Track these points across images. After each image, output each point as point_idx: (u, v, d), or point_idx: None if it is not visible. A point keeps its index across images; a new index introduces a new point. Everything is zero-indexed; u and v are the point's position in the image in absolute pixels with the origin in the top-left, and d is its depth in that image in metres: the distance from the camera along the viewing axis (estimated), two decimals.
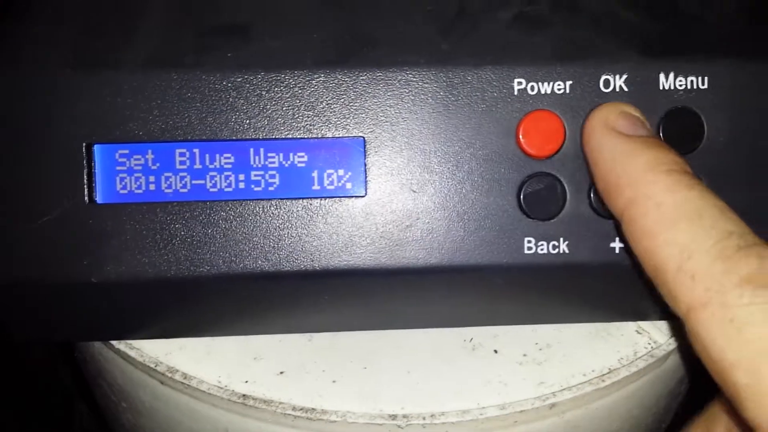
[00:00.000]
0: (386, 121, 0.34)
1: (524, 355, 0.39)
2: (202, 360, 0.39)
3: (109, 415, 0.50)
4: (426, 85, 0.33)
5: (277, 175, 0.34)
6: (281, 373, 0.38)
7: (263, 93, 0.33)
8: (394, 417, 0.37)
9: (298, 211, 0.34)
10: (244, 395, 0.37)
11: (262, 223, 0.34)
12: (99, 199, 0.33)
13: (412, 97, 0.33)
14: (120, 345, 0.39)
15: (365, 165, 0.34)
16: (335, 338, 0.40)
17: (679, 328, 0.38)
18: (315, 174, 0.34)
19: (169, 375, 0.38)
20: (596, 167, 0.31)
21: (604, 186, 0.30)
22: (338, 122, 0.34)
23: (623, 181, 0.29)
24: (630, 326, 0.40)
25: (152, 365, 0.38)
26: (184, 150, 0.33)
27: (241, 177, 0.34)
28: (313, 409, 0.37)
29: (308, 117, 0.33)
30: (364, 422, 0.36)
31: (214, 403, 0.38)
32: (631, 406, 0.40)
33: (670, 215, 0.27)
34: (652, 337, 0.40)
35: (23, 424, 0.78)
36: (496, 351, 0.39)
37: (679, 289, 0.27)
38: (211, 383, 0.38)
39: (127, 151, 0.33)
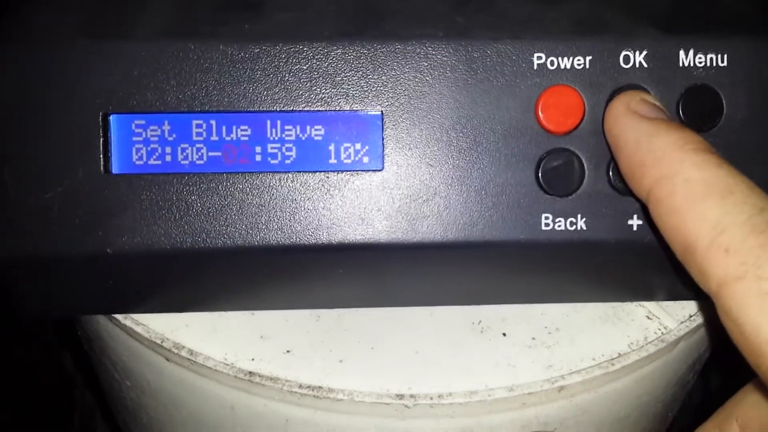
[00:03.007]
0: (404, 95, 0.33)
1: (533, 338, 0.39)
2: (209, 337, 0.39)
3: (113, 396, 0.49)
4: (445, 59, 0.33)
5: (294, 148, 0.33)
6: (288, 351, 0.38)
7: (281, 65, 0.33)
8: (401, 397, 0.36)
9: (314, 184, 0.34)
10: (250, 372, 0.37)
11: (278, 195, 0.33)
12: (114, 169, 0.33)
13: (431, 71, 0.33)
14: (126, 321, 0.39)
15: (383, 139, 0.33)
16: (342, 318, 0.40)
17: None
18: (332, 147, 0.34)
19: (175, 351, 0.38)
20: (620, 150, 0.31)
21: (629, 167, 0.30)
22: (356, 95, 0.33)
23: (649, 161, 0.29)
24: (640, 311, 0.40)
25: (158, 341, 0.38)
26: (200, 121, 0.33)
27: (258, 149, 0.33)
28: (319, 387, 0.37)
29: (326, 90, 0.33)
30: (371, 401, 0.36)
31: (220, 380, 0.38)
32: (640, 391, 0.40)
33: (699, 191, 0.27)
34: (662, 322, 0.40)
35: (23, 412, 0.77)
36: (504, 334, 0.39)
37: (711, 264, 0.26)
38: (217, 360, 0.37)
39: (143, 122, 0.33)
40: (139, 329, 0.38)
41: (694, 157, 0.28)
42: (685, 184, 0.28)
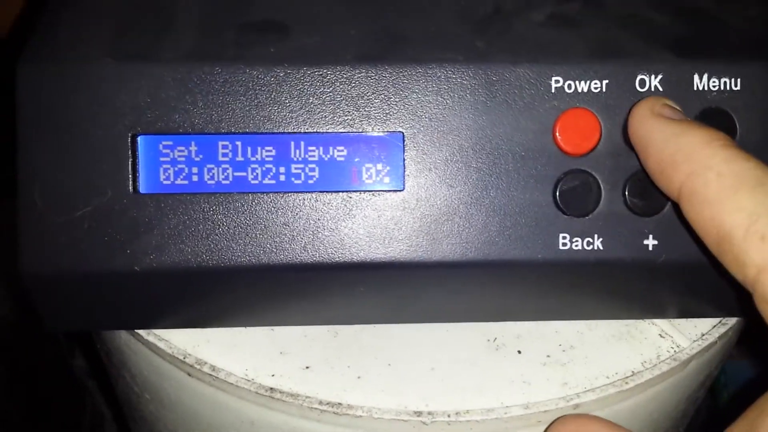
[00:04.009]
0: (425, 117, 0.34)
1: (548, 356, 0.40)
2: (229, 353, 0.39)
3: (131, 407, 0.50)
4: (465, 82, 0.34)
5: (317, 169, 0.34)
6: (307, 367, 0.39)
7: (305, 87, 0.34)
8: (419, 414, 0.37)
9: (336, 204, 0.34)
10: (271, 388, 0.38)
11: (302, 215, 0.34)
12: (142, 189, 0.34)
13: (451, 94, 0.34)
14: (149, 336, 0.39)
15: (404, 160, 0.34)
16: (360, 334, 0.40)
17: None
18: (354, 168, 0.34)
19: (198, 367, 0.38)
20: (648, 149, 0.32)
21: (659, 165, 0.31)
22: (378, 117, 0.34)
23: (679, 157, 0.30)
24: (653, 330, 0.41)
25: (181, 357, 0.38)
26: (226, 142, 0.34)
27: (282, 170, 0.34)
28: (339, 403, 0.37)
29: (348, 112, 0.34)
30: (390, 418, 0.37)
31: (241, 395, 0.38)
32: (652, 408, 0.41)
33: (732, 183, 0.28)
34: (675, 340, 0.40)
35: (33, 416, 0.78)
36: (519, 351, 0.40)
37: (748, 251, 0.27)
38: (238, 376, 0.38)
39: (170, 143, 0.34)
40: (161, 345, 0.39)
41: (723, 152, 0.29)
42: (717, 177, 0.29)
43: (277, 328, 0.40)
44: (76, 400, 0.86)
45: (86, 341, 0.50)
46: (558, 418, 0.35)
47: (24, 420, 0.76)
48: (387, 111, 0.34)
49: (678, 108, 0.33)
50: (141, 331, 0.39)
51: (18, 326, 0.74)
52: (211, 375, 0.38)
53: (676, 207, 0.31)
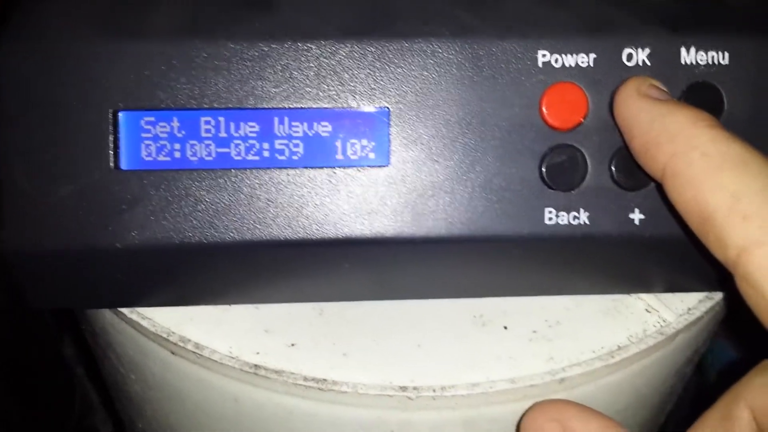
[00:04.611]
0: (411, 92, 0.34)
1: (534, 331, 0.40)
2: (214, 331, 0.39)
3: (117, 389, 0.50)
4: (450, 57, 0.34)
5: (301, 144, 0.34)
6: (292, 345, 0.39)
7: (289, 62, 0.34)
8: (404, 389, 0.37)
9: (321, 180, 0.34)
10: (255, 365, 0.37)
11: (286, 191, 0.34)
12: (124, 165, 0.33)
13: (437, 68, 0.34)
14: (132, 315, 0.39)
15: (389, 135, 0.34)
16: (345, 311, 0.40)
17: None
18: (339, 143, 0.34)
19: (181, 345, 0.38)
20: (633, 129, 0.31)
21: (643, 146, 0.31)
22: (363, 92, 0.34)
23: (664, 137, 0.30)
24: (639, 304, 0.41)
25: (164, 335, 0.38)
26: (209, 118, 0.33)
27: (266, 145, 0.34)
28: (324, 380, 0.37)
29: (333, 87, 0.34)
30: (375, 394, 0.37)
31: (226, 373, 0.38)
32: (639, 384, 0.41)
33: (716, 163, 0.28)
34: (661, 315, 0.40)
35: (22, 402, 0.78)
36: (505, 327, 0.40)
37: (731, 231, 0.27)
38: (222, 353, 0.38)
39: (152, 119, 0.33)
40: (145, 323, 0.39)
41: (708, 132, 0.29)
42: (701, 157, 0.28)
43: (262, 307, 0.40)
44: (66, 387, 0.86)
45: (74, 328, 0.49)
46: (534, 404, 0.35)
47: (13, 407, 0.76)
48: (372, 86, 0.34)
49: (664, 88, 0.33)
50: (124, 310, 0.39)
51: (6, 314, 0.74)
52: (195, 353, 0.38)
53: (661, 187, 0.31)
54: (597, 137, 0.34)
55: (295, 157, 0.34)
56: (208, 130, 0.34)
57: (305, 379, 0.37)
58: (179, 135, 0.33)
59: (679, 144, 0.29)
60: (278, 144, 0.34)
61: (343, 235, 0.34)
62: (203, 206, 0.34)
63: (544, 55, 0.34)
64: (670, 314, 0.40)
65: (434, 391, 0.37)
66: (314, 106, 0.34)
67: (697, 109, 0.30)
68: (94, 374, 0.83)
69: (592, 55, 0.34)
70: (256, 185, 0.34)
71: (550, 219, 0.34)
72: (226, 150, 0.34)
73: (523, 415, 0.36)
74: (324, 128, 0.34)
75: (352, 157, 0.34)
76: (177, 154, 0.34)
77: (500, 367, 0.38)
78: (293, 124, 0.34)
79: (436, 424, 0.38)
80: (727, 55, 0.34)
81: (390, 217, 0.34)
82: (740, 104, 0.34)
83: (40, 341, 0.82)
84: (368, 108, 0.34)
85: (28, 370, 0.81)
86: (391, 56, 0.34)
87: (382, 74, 0.34)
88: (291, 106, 0.34)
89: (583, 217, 0.34)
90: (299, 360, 0.38)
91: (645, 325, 0.40)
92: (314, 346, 0.39)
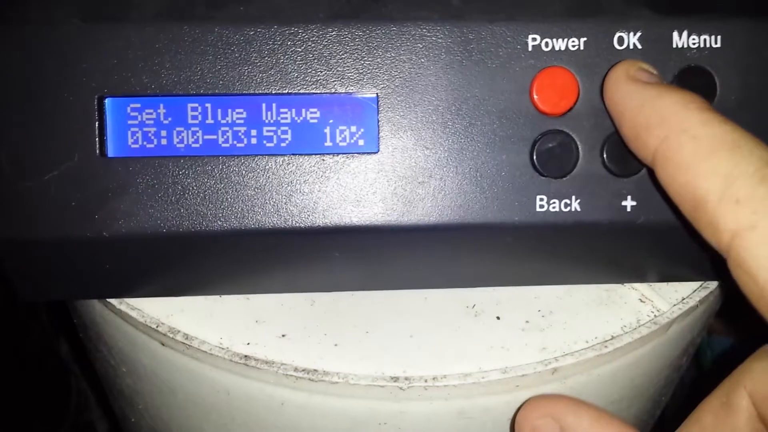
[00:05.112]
0: (399, 77, 0.33)
1: (527, 321, 0.39)
2: (204, 322, 0.39)
3: (109, 382, 0.49)
4: (440, 41, 0.33)
5: (290, 131, 0.33)
6: (283, 335, 0.38)
7: (276, 47, 0.33)
8: (396, 379, 0.37)
9: (310, 167, 0.34)
10: (245, 356, 0.37)
11: (274, 178, 0.33)
12: (110, 152, 0.33)
13: (426, 53, 0.33)
14: (121, 306, 0.39)
15: (378, 121, 0.34)
16: (337, 302, 0.40)
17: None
18: (327, 130, 0.34)
19: (171, 336, 0.38)
20: (623, 114, 0.31)
21: (633, 130, 0.30)
22: (351, 78, 0.33)
23: (654, 121, 0.29)
24: (633, 294, 0.40)
25: (154, 326, 0.38)
26: (196, 104, 0.33)
27: (253, 132, 0.33)
28: (315, 370, 0.37)
29: (321, 72, 0.33)
30: (366, 384, 0.37)
31: (216, 364, 0.38)
32: (633, 374, 0.40)
33: (707, 146, 0.28)
34: (655, 305, 0.40)
35: (19, 399, 0.78)
36: (498, 317, 0.40)
37: (723, 215, 0.27)
38: (212, 344, 0.38)
39: (138, 105, 0.33)
40: (134, 314, 0.38)
41: (699, 115, 0.28)
42: (692, 140, 0.28)
43: (253, 297, 0.40)
44: (62, 384, 0.86)
45: (69, 324, 0.49)
46: (526, 401, 0.35)
47: (9, 403, 0.76)
48: (361, 71, 0.33)
49: (654, 72, 0.32)
50: (113, 301, 0.39)
51: (3, 313, 0.74)
52: (184, 344, 0.38)
53: (652, 173, 0.31)
54: (588, 123, 0.34)
55: (283, 144, 0.34)
56: (194, 117, 0.33)
57: (296, 369, 0.37)
58: (166, 122, 0.33)
59: (670, 127, 0.29)
60: (266, 131, 0.33)
61: (333, 224, 0.34)
62: (190, 194, 0.33)
63: (534, 39, 0.33)
64: (664, 304, 0.40)
65: (426, 381, 0.37)
66: (302, 91, 0.33)
67: (687, 91, 0.30)
68: (89, 371, 0.83)
69: (583, 39, 0.33)
70: (244, 173, 0.33)
71: (542, 206, 0.34)
72: (213, 137, 0.33)
73: (516, 412, 0.36)
74: (312, 114, 0.33)
75: (341, 143, 0.34)
76: (164, 141, 0.33)
77: (492, 357, 0.38)
78: (281, 110, 0.33)
79: (428, 415, 0.38)
80: (719, 38, 0.33)
81: (380, 204, 0.34)
82: (733, 88, 0.34)
83: (36, 338, 0.82)
84: (357, 94, 0.33)
85: (24, 366, 0.81)
86: (379, 41, 0.33)
87: (371, 59, 0.33)
88: (278, 91, 0.33)
89: (575, 204, 0.34)
90: (290, 350, 0.38)
91: (638, 314, 0.39)
92: (305, 336, 0.39)
